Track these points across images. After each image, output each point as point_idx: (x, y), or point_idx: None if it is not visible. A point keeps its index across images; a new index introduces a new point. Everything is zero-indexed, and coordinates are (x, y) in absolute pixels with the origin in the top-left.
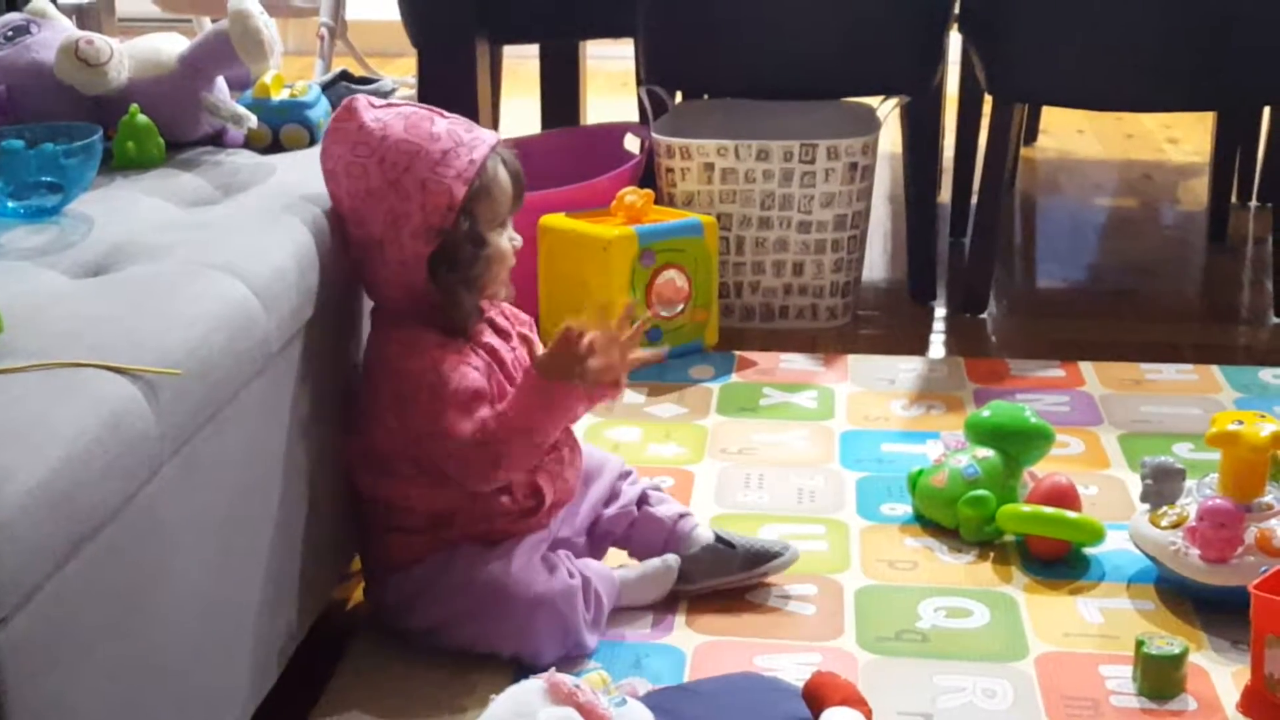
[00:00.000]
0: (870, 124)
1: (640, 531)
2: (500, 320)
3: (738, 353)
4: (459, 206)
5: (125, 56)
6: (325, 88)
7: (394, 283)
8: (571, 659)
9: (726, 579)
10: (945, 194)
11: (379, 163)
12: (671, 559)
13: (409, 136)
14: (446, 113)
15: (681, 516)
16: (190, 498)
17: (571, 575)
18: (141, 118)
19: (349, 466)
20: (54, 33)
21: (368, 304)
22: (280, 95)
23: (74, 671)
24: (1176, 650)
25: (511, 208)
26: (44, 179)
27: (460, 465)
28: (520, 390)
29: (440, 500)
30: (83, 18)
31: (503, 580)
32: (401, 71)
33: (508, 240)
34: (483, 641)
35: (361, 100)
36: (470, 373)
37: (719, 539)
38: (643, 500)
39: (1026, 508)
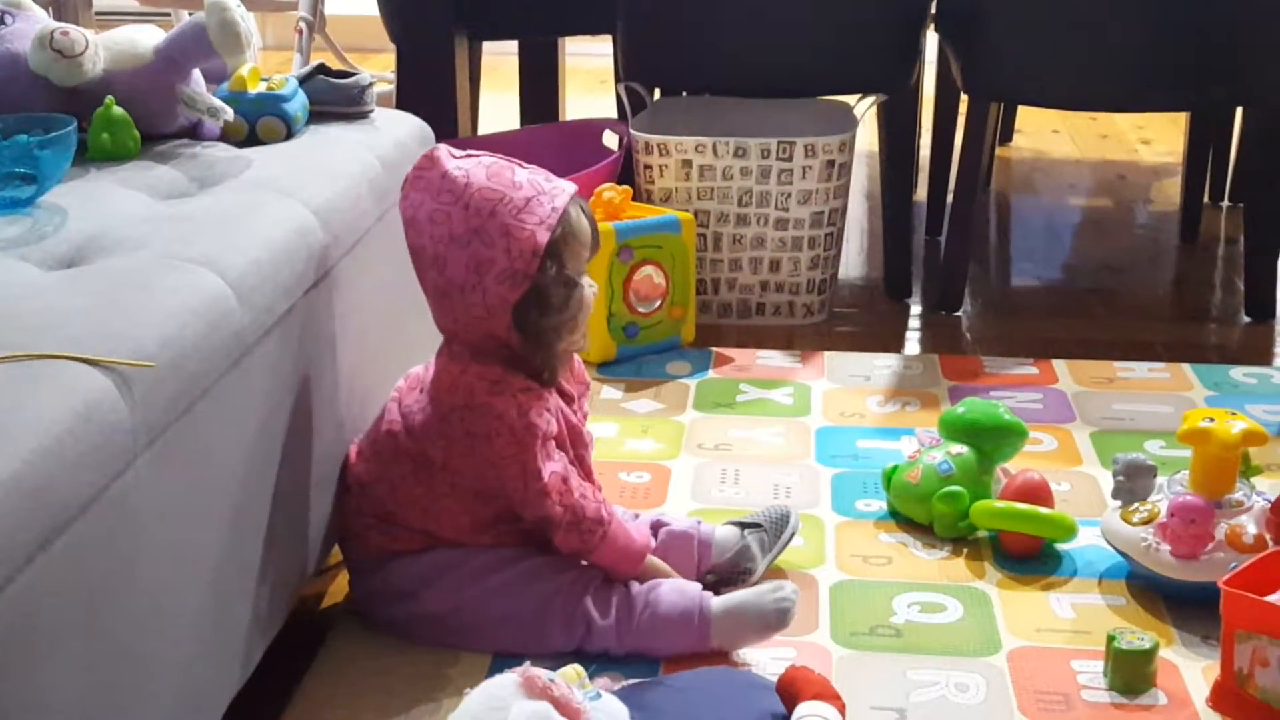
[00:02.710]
0: (847, 122)
1: (670, 552)
2: (566, 385)
3: (715, 349)
4: (544, 251)
5: (100, 48)
6: (302, 81)
7: (475, 328)
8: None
9: (776, 549)
10: (921, 192)
11: (463, 209)
12: (784, 584)
13: (491, 184)
14: (524, 163)
15: (697, 525)
16: (164, 490)
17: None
18: (117, 109)
19: (386, 454)
20: (29, 24)
21: (351, 296)
22: (257, 88)
23: (47, 664)
24: (1147, 645)
25: (591, 256)
26: (18, 170)
27: (535, 502)
28: (639, 559)
29: (448, 526)
30: (59, 9)
31: (542, 566)
32: (380, 67)
33: (587, 287)
34: (507, 625)
35: (443, 149)
36: (551, 420)
37: (734, 524)
38: (656, 524)
39: (1000, 504)
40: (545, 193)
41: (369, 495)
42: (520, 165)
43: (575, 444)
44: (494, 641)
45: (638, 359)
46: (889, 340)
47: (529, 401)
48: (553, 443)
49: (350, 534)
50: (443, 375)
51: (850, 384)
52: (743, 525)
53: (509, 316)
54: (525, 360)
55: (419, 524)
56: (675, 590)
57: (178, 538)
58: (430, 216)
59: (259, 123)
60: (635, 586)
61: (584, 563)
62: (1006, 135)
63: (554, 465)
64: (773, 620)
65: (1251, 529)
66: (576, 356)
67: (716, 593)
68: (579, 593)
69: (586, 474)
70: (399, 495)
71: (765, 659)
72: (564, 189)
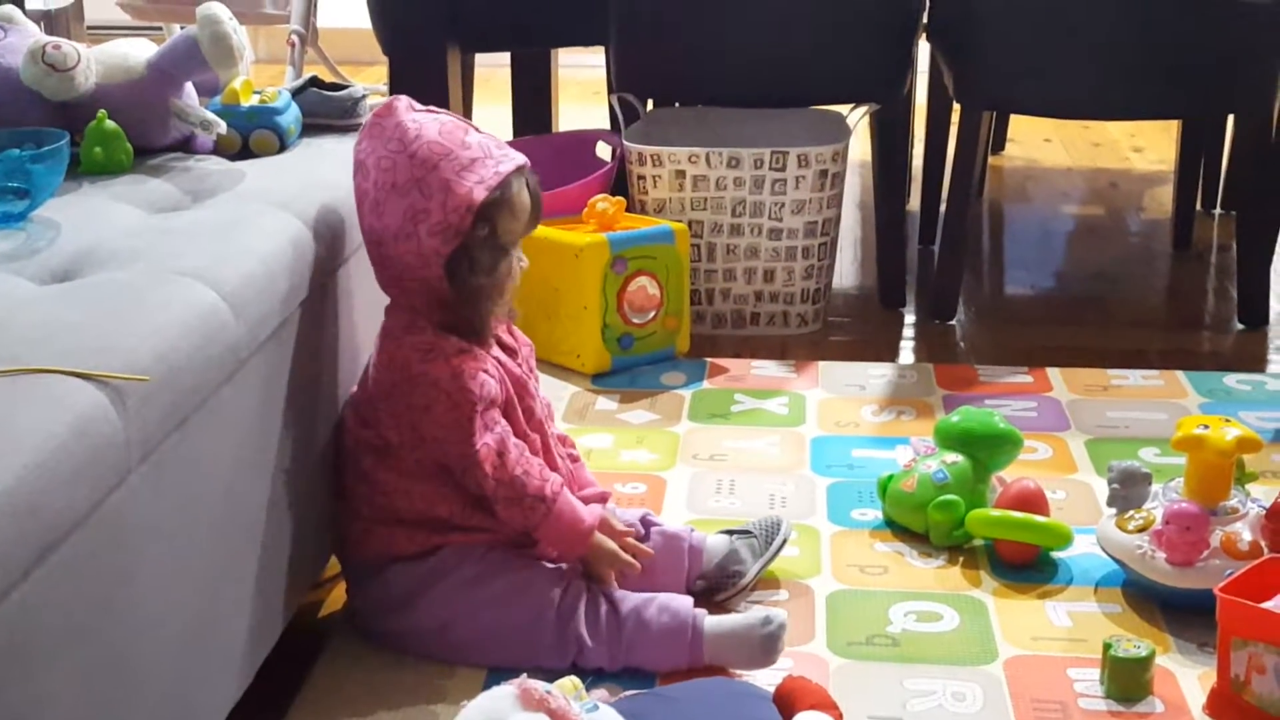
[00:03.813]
0: (840, 131)
1: (660, 554)
2: (506, 337)
3: (709, 359)
4: (477, 209)
5: (93, 62)
6: (295, 94)
7: (410, 277)
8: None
9: (768, 554)
10: (914, 202)
11: (409, 159)
12: (775, 616)
13: (441, 139)
14: (481, 129)
15: (689, 531)
16: (159, 504)
17: (588, 589)
18: (109, 123)
19: (350, 453)
20: (21, 38)
21: (346, 308)
22: (250, 101)
23: (43, 678)
24: (1143, 653)
25: (525, 231)
26: (10, 184)
27: (471, 472)
28: (575, 522)
29: (440, 503)
30: (51, 24)
31: (532, 578)
32: (373, 79)
33: (516, 260)
34: (498, 642)
35: (404, 101)
36: (488, 380)
37: (725, 533)
38: (646, 523)
39: (995, 512)
40: (492, 157)
41: (356, 497)
42: (476, 129)
43: (522, 396)
44: (486, 657)
45: (632, 370)
46: (883, 349)
47: (463, 363)
48: (495, 412)
49: (347, 540)
50: (380, 354)
51: (845, 393)
52: (732, 533)
53: (441, 268)
54: (458, 313)
55: (410, 512)
56: (666, 610)
57: (173, 551)
58: (378, 163)
59: (252, 136)
60: (625, 606)
61: (566, 568)
62: (999, 144)
63: (489, 437)
64: (759, 655)
65: (1247, 536)
66: (516, 327)
67: (707, 599)
68: (568, 612)
69: (537, 426)
70: (380, 488)
71: (762, 669)
72: (512, 158)
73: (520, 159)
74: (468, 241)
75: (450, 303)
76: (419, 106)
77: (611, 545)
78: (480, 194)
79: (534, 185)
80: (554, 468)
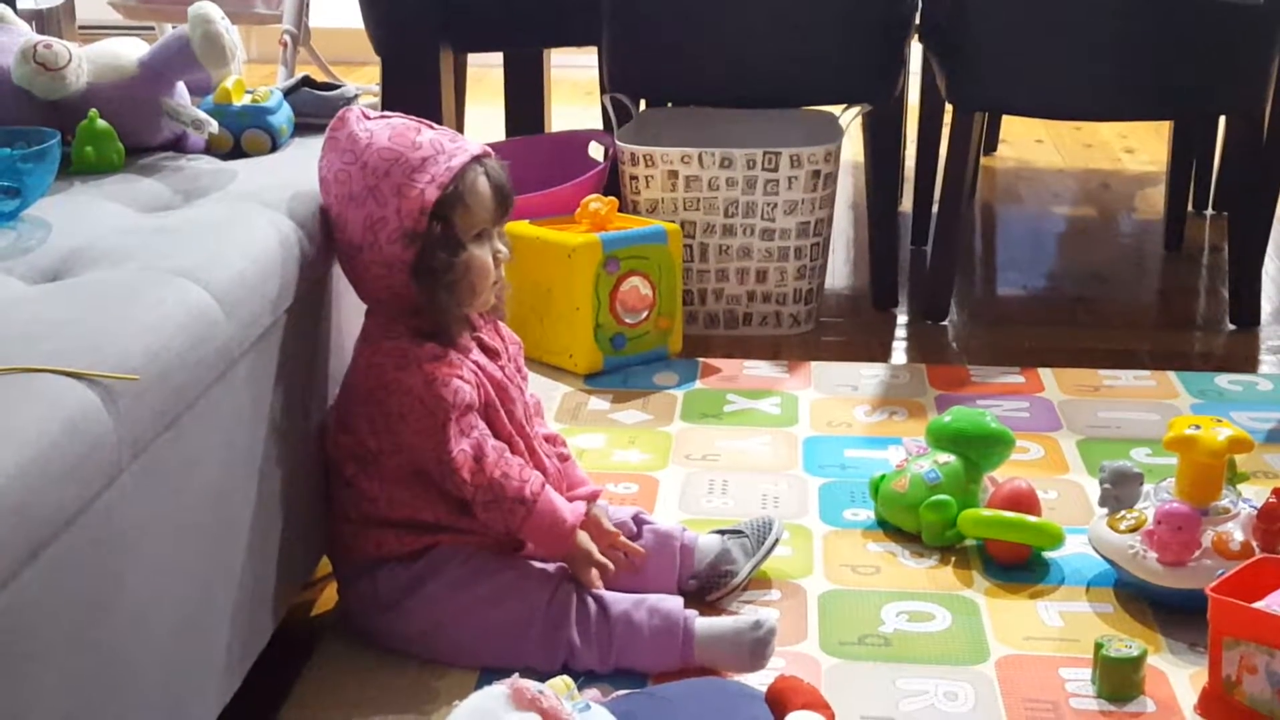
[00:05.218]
0: (832, 132)
1: (652, 553)
2: (490, 340)
3: (702, 360)
4: (430, 210)
5: (84, 61)
6: (287, 93)
7: (378, 285)
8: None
9: (760, 554)
10: (907, 203)
11: (361, 169)
12: (766, 620)
13: (392, 145)
14: (436, 125)
15: (681, 530)
16: (150, 503)
17: (580, 594)
18: (100, 122)
19: (333, 460)
20: (12, 38)
21: (336, 308)
22: (242, 101)
23: (33, 678)
24: (1135, 653)
25: (494, 219)
26: (1, 183)
27: (449, 478)
28: (555, 518)
29: (425, 508)
30: (42, 23)
31: (519, 581)
32: (365, 79)
33: (490, 253)
34: (483, 643)
35: (355, 111)
36: (463, 386)
37: (716, 532)
38: (638, 521)
39: (987, 512)
40: (444, 152)
41: (343, 501)
42: (429, 126)
43: (504, 401)
44: (477, 658)
45: (625, 370)
46: (876, 350)
47: (436, 370)
48: (472, 416)
49: (337, 541)
50: (357, 360)
51: (837, 393)
52: (724, 533)
53: (406, 274)
54: (428, 317)
55: (396, 516)
56: (657, 612)
57: (164, 550)
58: (335, 176)
59: (244, 135)
60: (615, 608)
61: (555, 570)
62: (991, 145)
63: (465, 443)
64: (749, 659)
65: (1238, 536)
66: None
67: (699, 599)
68: (558, 615)
69: (519, 427)
70: (364, 494)
71: (752, 672)
72: (466, 149)
73: (476, 149)
74: (427, 243)
75: (421, 307)
76: (371, 114)
77: (589, 546)
78: (433, 194)
79: (496, 172)
80: (539, 467)
